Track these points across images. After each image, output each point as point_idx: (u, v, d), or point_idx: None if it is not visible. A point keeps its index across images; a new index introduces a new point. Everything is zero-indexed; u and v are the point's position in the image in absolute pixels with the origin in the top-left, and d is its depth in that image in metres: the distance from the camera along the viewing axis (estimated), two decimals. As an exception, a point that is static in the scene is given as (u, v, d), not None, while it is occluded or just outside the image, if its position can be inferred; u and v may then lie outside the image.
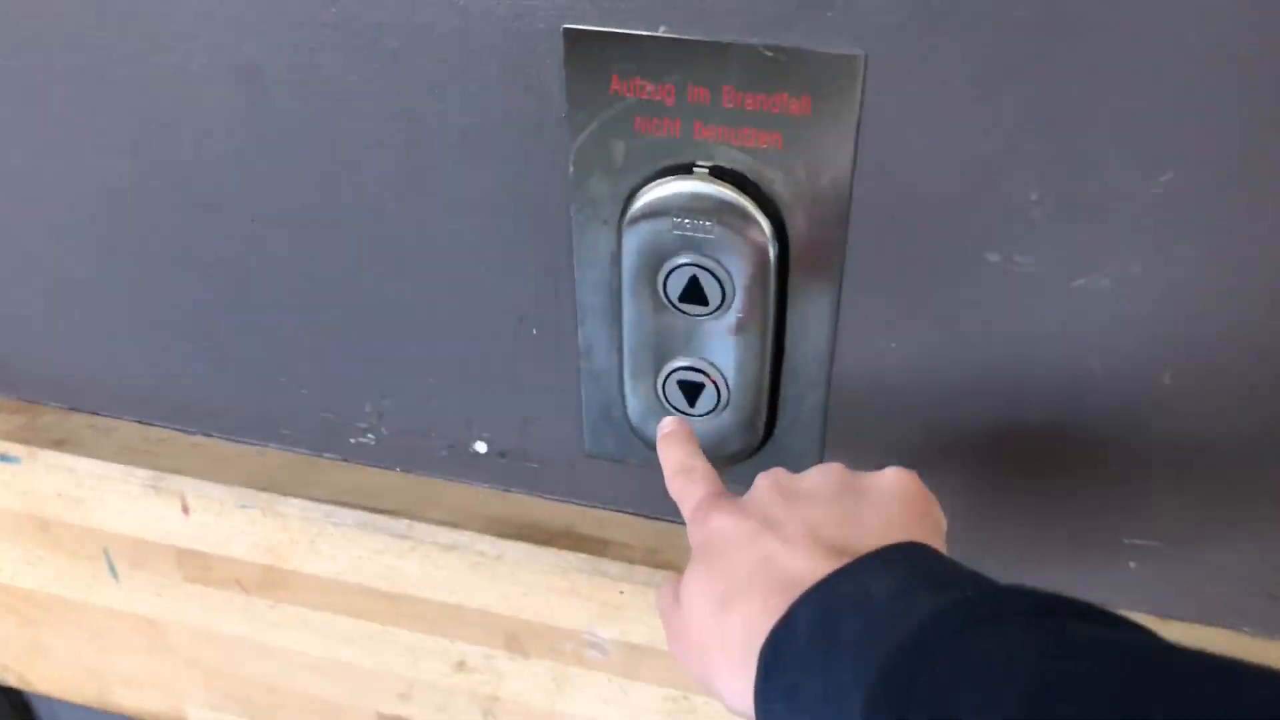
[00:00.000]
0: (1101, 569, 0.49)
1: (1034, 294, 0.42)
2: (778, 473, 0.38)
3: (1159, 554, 0.47)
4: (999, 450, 0.47)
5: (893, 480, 0.37)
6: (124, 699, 0.74)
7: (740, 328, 0.46)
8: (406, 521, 0.56)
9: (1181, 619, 0.49)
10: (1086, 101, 0.38)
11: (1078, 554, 0.49)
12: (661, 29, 0.40)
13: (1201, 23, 0.35)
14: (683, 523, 0.55)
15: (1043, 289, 0.42)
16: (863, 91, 0.39)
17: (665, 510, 0.55)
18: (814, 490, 0.37)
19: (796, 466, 0.50)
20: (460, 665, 0.61)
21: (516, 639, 0.58)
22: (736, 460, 0.51)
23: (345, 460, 0.59)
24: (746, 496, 0.38)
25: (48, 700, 0.77)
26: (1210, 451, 0.44)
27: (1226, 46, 0.36)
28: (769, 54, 0.39)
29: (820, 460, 0.50)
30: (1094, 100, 0.38)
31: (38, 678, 0.75)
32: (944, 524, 0.38)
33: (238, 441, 0.61)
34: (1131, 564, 0.48)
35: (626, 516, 0.56)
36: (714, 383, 0.48)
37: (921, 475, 0.48)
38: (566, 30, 0.41)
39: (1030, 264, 0.41)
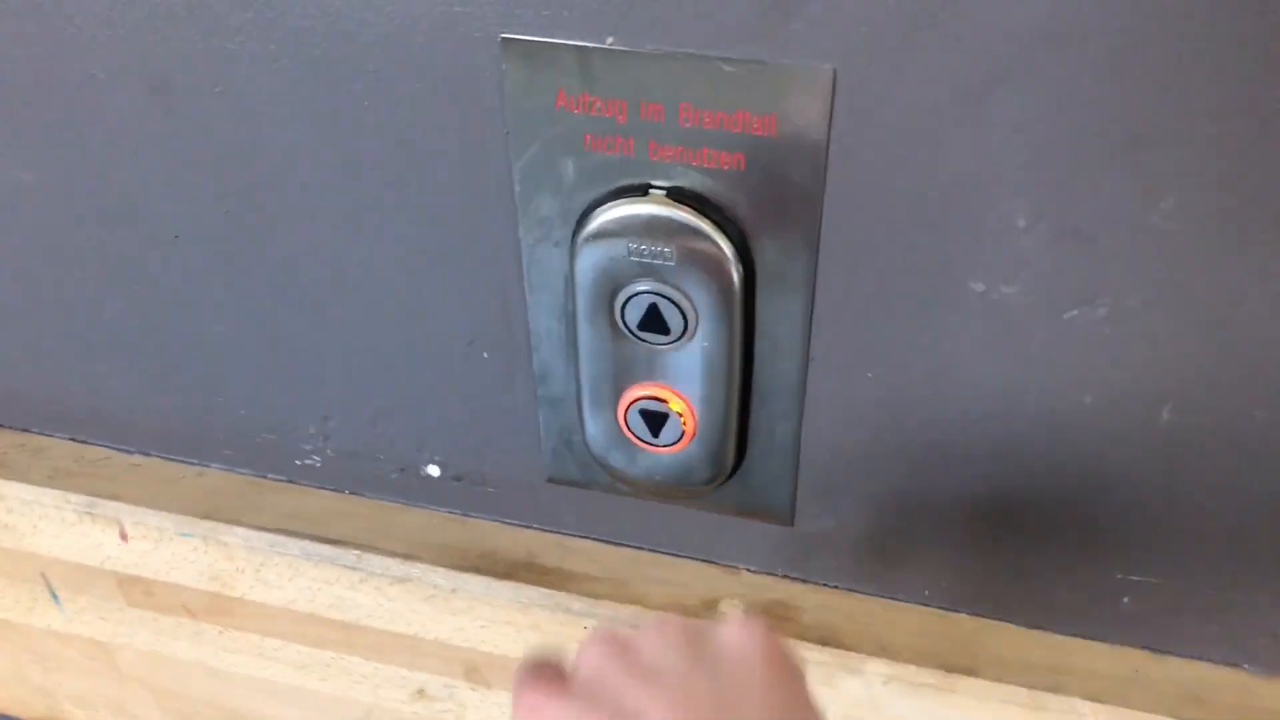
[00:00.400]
0: (1095, 605, 0.46)
1: (1022, 325, 0.39)
2: (612, 638, 0.32)
3: (1155, 590, 0.44)
4: (986, 485, 0.44)
5: (740, 653, 0.31)
6: (75, 716, 0.71)
7: (705, 356, 0.42)
8: (355, 552, 0.53)
9: (1178, 655, 0.46)
10: (1081, 121, 0.34)
11: (1071, 589, 0.45)
12: (609, 40, 0.36)
13: (1209, 37, 0.32)
14: (655, 550, 0.52)
15: (1032, 320, 0.38)
16: (833, 109, 0.35)
17: (632, 538, 0.52)
18: (660, 664, 0.30)
19: (769, 499, 0.47)
20: (420, 694, 0.58)
21: (476, 670, 0.55)
22: (704, 489, 0.47)
23: (291, 483, 0.56)
24: (579, 674, 0.31)
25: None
26: (1210, 487, 0.41)
27: (1236, 63, 0.32)
28: (729, 68, 0.35)
29: (794, 492, 0.47)
30: (1089, 120, 0.34)
31: (-14, 695, 0.72)
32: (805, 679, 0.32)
33: (177, 461, 0.57)
34: (1125, 600, 0.45)
35: (591, 543, 0.52)
36: (678, 413, 0.44)
37: (907, 511, 0.45)
38: (505, 40, 0.37)
39: (1018, 294, 0.38)
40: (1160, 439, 0.40)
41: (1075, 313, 0.38)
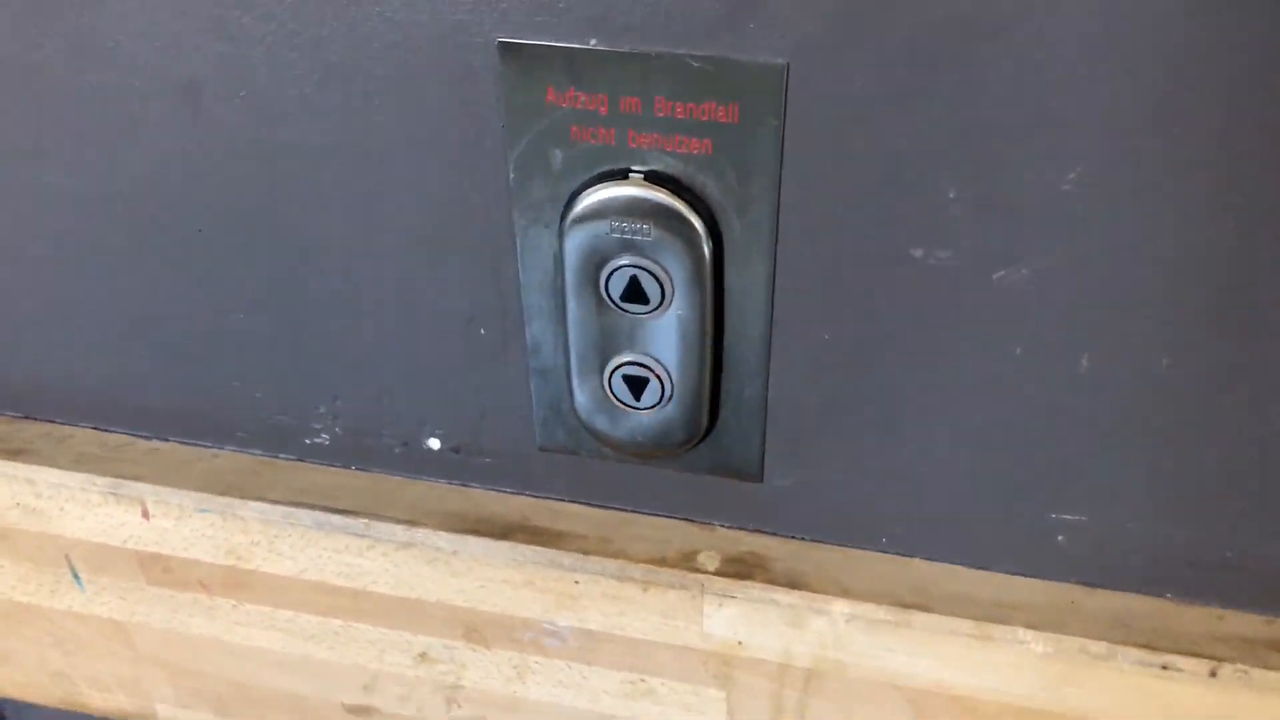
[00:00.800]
0: (1033, 543, 0.51)
1: (957, 286, 0.44)
2: None
3: (1084, 528, 0.50)
4: (933, 436, 0.49)
5: None
6: (92, 700, 0.74)
7: (680, 324, 0.48)
8: (364, 520, 0.57)
9: (1108, 588, 0.52)
10: (995, 105, 0.39)
11: (1010, 530, 0.51)
12: (592, 42, 0.42)
13: (1097, 30, 0.37)
14: (637, 511, 0.57)
15: (965, 280, 0.44)
16: (786, 99, 0.41)
17: (616, 500, 0.57)
18: None
19: (740, 458, 0.53)
20: (422, 657, 0.62)
21: (476, 630, 0.60)
22: (682, 450, 0.52)
23: (301, 461, 0.61)
24: None
25: (15, 703, 0.77)
26: (1127, 430, 0.46)
27: (1124, 53, 0.38)
28: (696, 64, 0.41)
29: (762, 450, 0.52)
30: (1002, 103, 0.39)
31: (3, 681, 0.76)
32: None
33: (194, 445, 0.62)
34: (1060, 538, 0.50)
35: (579, 507, 0.57)
36: (658, 377, 0.50)
37: (865, 465, 0.51)
38: (501, 44, 0.42)
39: (951, 258, 0.43)
40: (1081, 385, 0.45)
41: (1002, 273, 0.43)
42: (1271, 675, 0.48)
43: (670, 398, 0.50)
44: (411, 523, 0.57)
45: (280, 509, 0.58)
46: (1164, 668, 0.49)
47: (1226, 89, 0.38)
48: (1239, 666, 0.49)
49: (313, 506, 0.58)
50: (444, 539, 0.57)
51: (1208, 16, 0.37)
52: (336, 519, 0.58)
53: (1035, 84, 0.39)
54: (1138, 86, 0.38)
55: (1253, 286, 0.42)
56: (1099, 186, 0.40)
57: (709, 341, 0.48)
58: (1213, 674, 0.49)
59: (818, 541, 0.54)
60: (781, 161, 0.43)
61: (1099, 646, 0.50)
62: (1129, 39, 0.37)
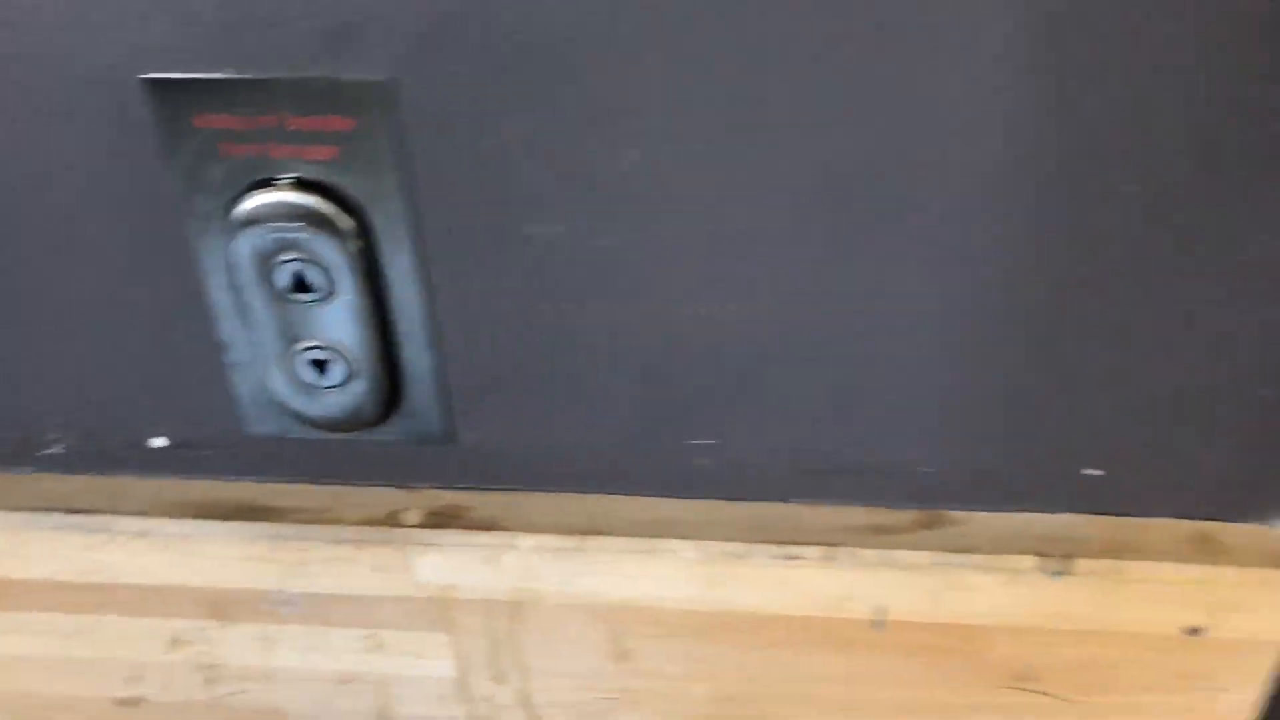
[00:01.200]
0: (678, 469, 0.60)
1: (569, 254, 0.53)
2: None
3: (718, 451, 0.59)
4: (581, 385, 0.57)
5: None
6: None
7: (350, 308, 0.55)
8: (101, 517, 0.63)
9: (744, 500, 0.61)
10: (564, 103, 0.48)
11: (659, 460, 0.60)
12: (226, 71, 0.49)
13: (637, 37, 0.47)
14: (349, 483, 0.64)
15: (577, 249, 0.53)
16: (397, 107, 0.49)
17: (329, 475, 0.64)
18: None
19: (429, 422, 0.60)
20: (175, 642, 0.68)
21: (219, 607, 0.66)
22: (378, 422, 0.60)
23: (40, 471, 0.65)
24: None
25: None
26: (732, 364, 0.56)
27: (661, 54, 0.47)
28: (315, 85, 0.48)
29: (449, 415, 0.59)
30: (568, 102, 0.48)
31: None
32: None
33: (-64, 470, 0.66)
34: (699, 461, 0.60)
35: (297, 485, 0.64)
36: (342, 357, 0.57)
37: (540, 417, 0.59)
38: (143, 80, 0.49)
39: (559, 231, 0.52)
40: (686, 330, 0.55)
41: (604, 241, 0.52)
42: (872, 552, 0.59)
43: (355, 376, 0.57)
44: (144, 514, 0.63)
45: (21, 515, 0.63)
46: (790, 558, 0.59)
47: (754, 86, 0.47)
48: (849, 549, 0.59)
49: (52, 509, 0.63)
50: (175, 525, 0.62)
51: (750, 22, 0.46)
52: (75, 519, 0.63)
53: (595, 85, 0.48)
54: (672, 85, 0.48)
55: (802, 223, 0.51)
56: (657, 164, 0.50)
57: (377, 321, 0.56)
58: (828, 558, 0.59)
59: (508, 489, 0.63)
60: (406, 162, 0.50)
61: (737, 547, 0.59)
62: (667, 42, 0.47)
